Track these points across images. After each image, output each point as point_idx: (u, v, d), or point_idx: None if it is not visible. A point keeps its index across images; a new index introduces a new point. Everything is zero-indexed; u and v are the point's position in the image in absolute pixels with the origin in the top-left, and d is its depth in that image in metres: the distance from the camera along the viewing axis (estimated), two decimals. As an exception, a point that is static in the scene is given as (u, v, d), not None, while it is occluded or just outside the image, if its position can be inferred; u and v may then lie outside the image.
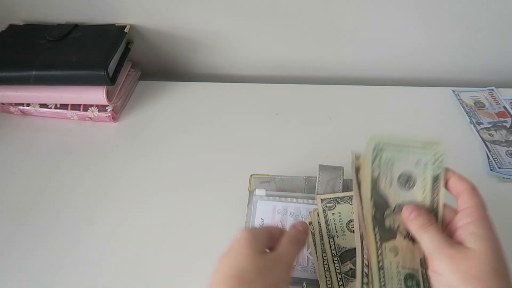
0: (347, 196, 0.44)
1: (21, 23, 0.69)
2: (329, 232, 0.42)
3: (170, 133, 0.62)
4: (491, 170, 0.53)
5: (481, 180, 0.52)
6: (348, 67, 0.71)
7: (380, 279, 0.33)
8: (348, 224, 0.42)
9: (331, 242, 0.41)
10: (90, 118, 0.64)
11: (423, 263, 0.34)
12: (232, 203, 0.51)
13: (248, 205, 0.49)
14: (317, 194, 0.47)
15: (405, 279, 0.33)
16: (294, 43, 0.68)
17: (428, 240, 0.32)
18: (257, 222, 0.47)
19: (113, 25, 0.66)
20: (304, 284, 0.42)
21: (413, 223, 0.33)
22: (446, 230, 0.34)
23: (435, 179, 0.34)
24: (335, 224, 0.42)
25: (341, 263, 0.40)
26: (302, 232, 0.38)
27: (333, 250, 0.41)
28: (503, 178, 0.52)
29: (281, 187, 0.50)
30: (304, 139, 0.59)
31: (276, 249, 0.35)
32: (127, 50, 0.67)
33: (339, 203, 0.44)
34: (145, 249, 0.48)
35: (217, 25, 0.66)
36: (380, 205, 0.35)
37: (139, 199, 0.53)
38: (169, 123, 0.64)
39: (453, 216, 0.33)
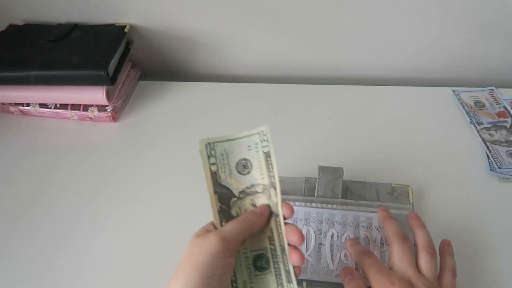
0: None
1: (21, 23, 0.69)
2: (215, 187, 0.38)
3: (170, 133, 0.62)
4: (491, 170, 0.53)
5: (481, 180, 0.52)
6: (348, 67, 0.71)
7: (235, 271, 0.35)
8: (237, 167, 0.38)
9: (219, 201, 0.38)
10: (90, 118, 0.64)
11: (271, 239, 0.36)
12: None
13: (248, 205, 0.49)
14: (316, 196, 0.47)
15: (254, 261, 0.36)
16: (294, 43, 0.67)
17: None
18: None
19: (113, 25, 0.66)
20: (304, 284, 0.42)
21: (348, 286, 0.37)
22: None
23: (267, 155, 0.35)
24: (224, 172, 0.38)
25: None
26: (256, 213, 0.35)
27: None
28: (503, 178, 0.52)
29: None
30: (304, 139, 0.59)
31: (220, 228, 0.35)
32: (127, 50, 0.67)
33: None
34: (144, 248, 0.48)
35: (217, 25, 0.66)
36: (225, 196, 0.36)
37: (139, 199, 0.53)
38: (169, 123, 0.64)
39: None
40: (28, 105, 0.64)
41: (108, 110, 0.63)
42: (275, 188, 0.35)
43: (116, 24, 0.66)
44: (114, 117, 0.64)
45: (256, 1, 0.61)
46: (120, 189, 0.55)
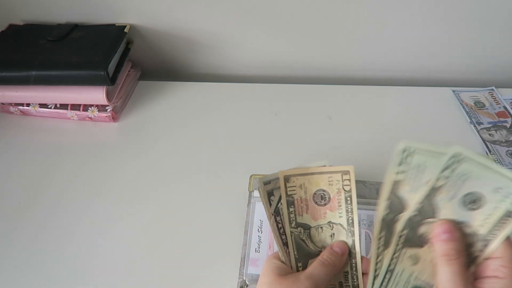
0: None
1: (21, 23, 0.69)
2: (278, 224, 0.37)
3: (170, 133, 0.62)
4: (491, 170, 0.53)
5: (481, 180, 0.52)
6: (348, 67, 0.71)
7: (383, 280, 0.32)
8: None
9: (283, 237, 0.37)
10: (90, 118, 0.64)
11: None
12: (232, 203, 0.51)
13: (248, 205, 0.49)
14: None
15: None
16: (294, 43, 0.68)
17: (447, 275, 0.28)
18: (256, 224, 0.47)
19: (113, 25, 0.66)
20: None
21: (440, 245, 0.29)
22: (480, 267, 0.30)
23: (508, 214, 0.28)
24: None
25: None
26: (338, 254, 0.35)
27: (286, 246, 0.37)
28: (503, 178, 0.52)
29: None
30: (304, 139, 0.59)
31: (304, 270, 0.34)
32: (127, 50, 0.67)
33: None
34: (144, 248, 0.48)
35: (217, 25, 0.66)
36: (425, 213, 0.31)
37: (139, 198, 0.53)
38: (169, 123, 0.64)
39: (498, 254, 0.29)
40: (28, 105, 0.64)
41: (108, 110, 0.63)
42: (484, 246, 0.30)
43: (116, 24, 0.66)
44: (114, 117, 0.64)
45: (256, 1, 0.61)
46: (120, 189, 0.55)
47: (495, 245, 0.29)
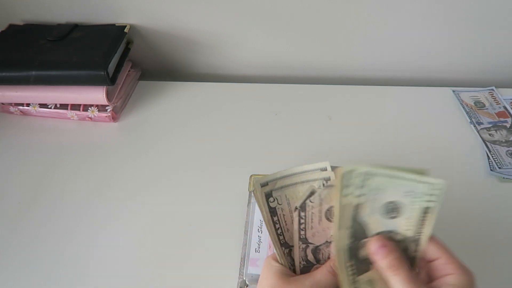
0: (295, 174, 0.36)
1: (21, 23, 0.69)
2: (275, 226, 0.36)
3: (170, 133, 0.62)
4: (491, 170, 0.53)
5: (481, 180, 0.52)
6: (348, 67, 0.71)
7: None
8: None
9: (281, 239, 0.36)
10: (90, 118, 0.64)
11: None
12: (232, 203, 0.51)
13: (248, 205, 0.49)
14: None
15: None
16: (294, 43, 0.68)
17: (399, 285, 0.29)
18: (255, 224, 0.47)
19: (113, 25, 0.66)
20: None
21: (382, 261, 0.30)
22: (426, 268, 0.31)
23: (425, 211, 0.30)
24: (283, 214, 0.36)
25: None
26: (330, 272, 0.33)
27: (284, 248, 0.37)
28: (503, 178, 0.52)
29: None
30: (304, 139, 0.59)
31: (311, 273, 0.33)
32: (127, 50, 0.67)
33: (284, 186, 0.36)
34: (144, 248, 0.48)
35: (217, 25, 0.66)
36: (358, 234, 0.32)
37: (138, 198, 0.53)
38: (169, 123, 0.64)
39: (437, 255, 0.30)
40: (28, 105, 0.64)
41: (108, 110, 0.63)
42: (416, 246, 0.31)
43: (116, 24, 0.66)
44: (114, 117, 0.64)
45: (256, 1, 0.61)
46: (120, 189, 0.55)
47: (424, 241, 0.31)
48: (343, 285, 0.32)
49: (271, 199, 0.34)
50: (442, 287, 0.29)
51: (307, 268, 0.35)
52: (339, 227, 0.32)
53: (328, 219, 0.34)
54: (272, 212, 0.34)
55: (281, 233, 0.35)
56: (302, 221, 0.34)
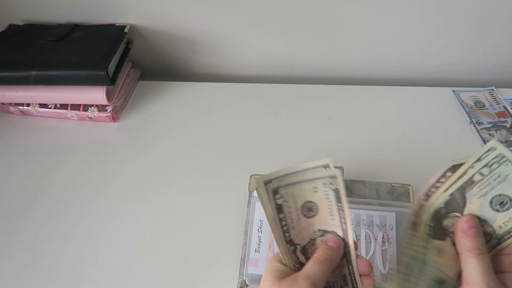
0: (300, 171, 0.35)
1: (21, 23, 0.69)
2: (281, 225, 0.35)
3: (170, 133, 0.62)
4: (491, 170, 0.53)
5: (481, 180, 0.52)
6: (348, 67, 0.71)
7: (413, 269, 0.32)
8: (303, 208, 0.35)
9: (287, 238, 0.36)
10: (90, 118, 0.64)
11: (460, 277, 0.32)
12: (232, 203, 0.51)
13: (248, 205, 0.49)
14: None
15: (438, 282, 0.32)
16: (294, 43, 0.67)
17: (480, 268, 0.29)
18: (256, 224, 0.47)
19: (113, 25, 0.66)
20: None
21: (469, 240, 0.30)
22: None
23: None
24: (289, 212, 0.35)
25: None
26: (333, 249, 0.34)
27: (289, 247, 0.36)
28: (503, 178, 0.52)
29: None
30: (304, 139, 0.59)
31: (300, 270, 0.33)
32: (127, 50, 0.67)
33: (289, 184, 0.35)
34: (144, 248, 0.48)
35: (217, 25, 0.66)
36: (453, 206, 0.32)
37: (138, 198, 0.53)
38: (169, 123, 0.64)
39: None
40: (28, 105, 0.64)
41: (108, 110, 0.63)
42: (497, 243, 0.32)
43: (116, 24, 0.66)
44: (114, 117, 0.64)
45: (256, 1, 0.61)
46: (120, 189, 0.55)
47: (507, 243, 0.31)
48: (419, 236, 0.32)
49: (277, 195, 0.34)
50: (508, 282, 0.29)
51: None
52: (444, 189, 0.32)
53: (305, 216, 0.34)
54: (279, 209, 0.34)
55: (287, 230, 0.35)
56: (283, 222, 0.34)
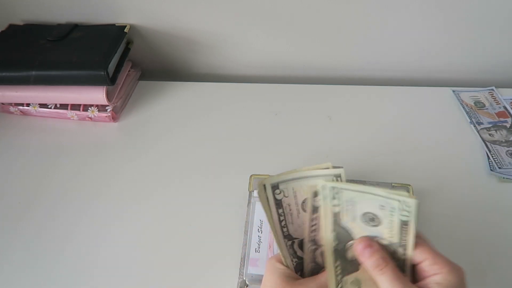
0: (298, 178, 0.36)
1: (21, 23, 0.69)
2: (280, 227, 0.36)
3: (170, 133, 0.62)
4: (491, 170, 0.53)
5: (481, 180, 0.52)
6: (348, 67, 0.71)
7: None
8: (302, 207, 0.36)
9: (286, 240, 0.36)
10: (90, 118, 0.64)
11: None
12: (232, 203, 0.51)
13: (248, 205, 0.49)
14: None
15: None
16: (294, 43, 0.68)
17: (385, 284, 0.30)
18: (256, 224, 0.47)
19: (113, 25, 0.66)
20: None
21: (367, 261, 0.31)
22: (413, 270, 0.32)
23: (404, 223, 0.30)
24: (291, 214, 0.36)
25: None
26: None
27: (289, 250, 0.37)
28: (503, 178, 0.52)
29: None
30: (304, 139, 0.59)
31: (316, 276, 0.33)
32: (127, 50, 0.67)
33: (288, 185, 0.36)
34: (144, 248, 0.48)
35: (217, 25, 0.66)
36: (343, 237, 0.33)
37: (138, 199, 0.53)
38: (169, 123, 0.64)
39: (423, 257, 0.31)
40: (28, 105, 0.64)
41: (108, 110, 0.63)
42: (404, 250, 0.31)
43: (116, 24, 0.66)
44: (114, 117, 0.64)
45: (256, 1, 0.61)
46: (120, 189, 0.55)
47: (411, 248, 0.31)
48: (330, 284, 0.32)
49: (277, 191, 0.34)
50: (429, 286, 0.29)
51: (300, 265, 0.36)
52: (324, 230, 0.33)
53: (305, 210, 0.35)
54: (278, 204, 0.34)
55: (285, 225, 0.35)
56: (282, 218, 0.35)
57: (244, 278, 0.43)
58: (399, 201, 0.30)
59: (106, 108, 0.63)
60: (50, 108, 0.64)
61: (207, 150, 0.59)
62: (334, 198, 0.32)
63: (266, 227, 0.46)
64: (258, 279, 0.42)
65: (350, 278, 0.33)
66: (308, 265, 0.36)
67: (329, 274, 0.33)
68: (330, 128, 0.61)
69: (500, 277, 0.43)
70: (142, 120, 0.65)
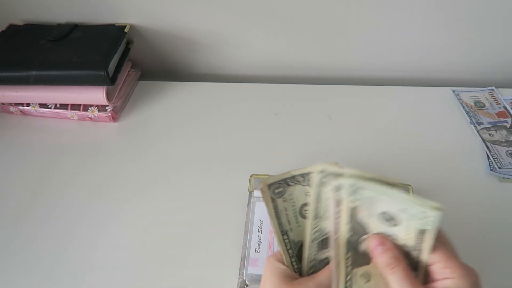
0: (299, 175, 0.36)
1: (21, 23, 0.69)
2: (281, 227, 0.36)
3: (170, 133, 0.62)
4: (491, 170, 0.53)
5: (481, 180, 0.52)
6: (348, 67, 0.71)
7: None
8: (302, 210, 0.36)
9: (286, 240, 0.36)
10: (90, 118, 0.64)
11: None
12: (232, 203, 0.51)
13: (248, 205, 0.49)
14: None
15: None
16: (294, 43, 0.68)
17: (395, 283, 0.29)
18: (256, 224, 0.47)
19: (113, 25, 0.66)
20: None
21: (379, 259, 0.31)
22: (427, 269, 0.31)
23: (422, 231, 0.30)
24: (287, 214, 0.36)
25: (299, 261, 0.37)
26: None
27: (289, 249, 0.36)
28: (503, 178, 0.52)
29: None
30: (304, 139, 0.59)
31: (314, 275, 0.33)
32: (127, 50, 0.67)
33: (290, 185, 0.36)
34: (144, 248, 0.48)
35: (217, 25, 0.66)
36: (358, 230, 0.32)
37: (138, 199, 0.53)
38: (169, 123, 0.64)
39: (436, 259, 0.30)
40: (28, 105, 0.64)
41: (108, 110, 0.63)
42: (418, 256, 0.31)
43: (116, 24, 0.66)
44: (114, 117, 0.64)
45: (256, 1, 0.61)
46: (120, 189, 0.55)
47: (426, 254, 0.30)
48: (339, 275, 0.32)
49: (279, 190, 0.34)
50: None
51: (299, 263, 0.35)
52: (340, 221, 0.32)
53: (303, 217, 0.34)
54: (278, 204, 0.35)
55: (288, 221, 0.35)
56: (281, 228, 0.35)
57: (244, 278, 0.43)
58: (422, 211, 0.29)
59: (106, 108, 0.63)
60: (50, 108, 0.64)
61: (207, 150, 0.59)
62: (353, 194, 0.31)
63: (266, 227, 0.46)
64: (258, 279, 0.42)
65: (360, 270, 0.32)
66: (307, 264, 0.36)
67: (340, 265, 0.32)
68: (330, 128, 0.61)
69: (500, 277, 0.43)
70: (142, 120, 0.65)
